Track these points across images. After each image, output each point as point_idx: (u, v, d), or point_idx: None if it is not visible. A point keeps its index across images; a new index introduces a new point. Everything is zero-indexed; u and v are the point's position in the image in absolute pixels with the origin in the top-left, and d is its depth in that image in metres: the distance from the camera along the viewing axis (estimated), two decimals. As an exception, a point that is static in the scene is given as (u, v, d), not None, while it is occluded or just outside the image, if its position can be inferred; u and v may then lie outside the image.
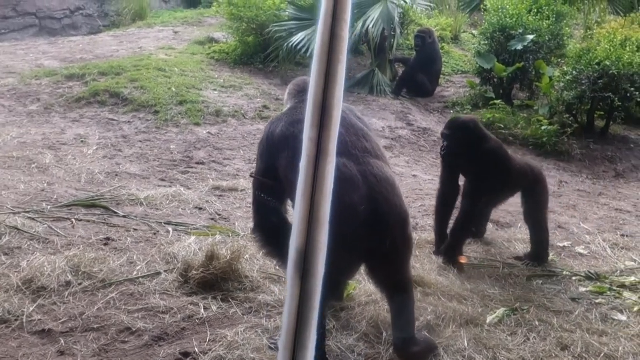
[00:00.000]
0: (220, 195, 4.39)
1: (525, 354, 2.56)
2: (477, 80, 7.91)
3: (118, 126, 5.80)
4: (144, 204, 4.00)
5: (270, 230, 2.55)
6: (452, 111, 7.35)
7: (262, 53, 8.00)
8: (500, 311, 2.93)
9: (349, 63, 8.04)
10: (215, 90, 6.85)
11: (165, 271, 3.05)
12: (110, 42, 9.02)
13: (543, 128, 6.58)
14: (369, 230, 2.29)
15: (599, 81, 6.42)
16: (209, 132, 5.89)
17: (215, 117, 6.19)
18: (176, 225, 3.70)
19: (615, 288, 3.32)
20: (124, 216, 3.75)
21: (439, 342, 2.58)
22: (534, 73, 7.43)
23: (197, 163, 5.19)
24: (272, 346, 2.47)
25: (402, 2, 7.72)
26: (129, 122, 5.90)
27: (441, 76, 8.22)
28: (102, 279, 2.88)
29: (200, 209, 4.08)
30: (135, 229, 3.57)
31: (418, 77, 7.72)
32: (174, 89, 6.55)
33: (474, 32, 9.66)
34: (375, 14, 7.36)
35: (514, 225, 4.27)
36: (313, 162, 1.31)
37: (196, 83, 6.87)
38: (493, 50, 7.56)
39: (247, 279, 3.00)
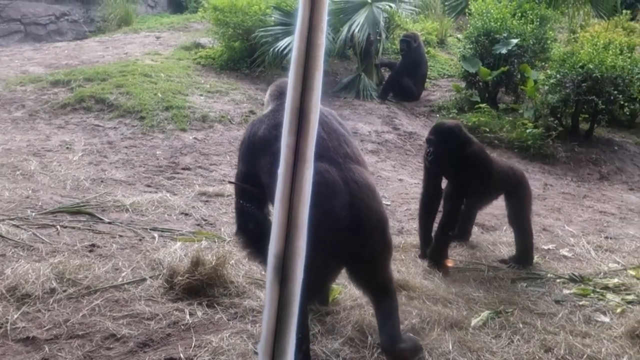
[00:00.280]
0: (206, 201, 4.39)
1: (509, 357, 2.58)
2: (463, 84, 7.98)
3: (104, 132, 5.77)
4: (130, 210, 3.99)
5: (253, 233, 2.58)
6: (438, 115, 7.41)
7: (248, 58, 8.01)
8: (485, 314, 2.96)
9: (335, 68, 8.10)
10: (201, 95, 6.84)
11: (150, 277, 3.03)
12: (96, 47, 8.98)
13: (528, 131, 6.66)
14: (350, 234, 2.32)
15: (583, 84, 6.51)
16: (195, 138, 5.88)
17: (202, 123, 6.19)
18: (162, 231, 3.69)
19: (598, 290, 3.36)
20: (110, 222, 3.74)
21: (424, 345, 2.60)
22: (518, 76, 7.52)
23: (183, 169, 5.18)
24: (257, 351, 2.47)
25: (388, 7, 7.77)
26: (114, 128, 5.88)
27: (427, 80, 8.28)
28: (87, 286, 2.86)
29: (186, 214, 4.07)
30: (120, 235, 3.56)
31: (404, 81, 7.77)
32: (160, 95, 6.53)
33: (459, 36, 9.75)
34: (360, 18, 7.40)
35: (499, 229, 4.31)
36: (291, 169, 1.33)
37: (182, 88, 6.86)
38: (478, 54, 7.64)
39: (232, 285, 3.00)
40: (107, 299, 2.78)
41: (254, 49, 7.86)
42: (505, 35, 7.43)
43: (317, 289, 2.58)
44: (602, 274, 3.59)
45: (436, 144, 3.55)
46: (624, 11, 9.98)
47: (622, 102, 6.74)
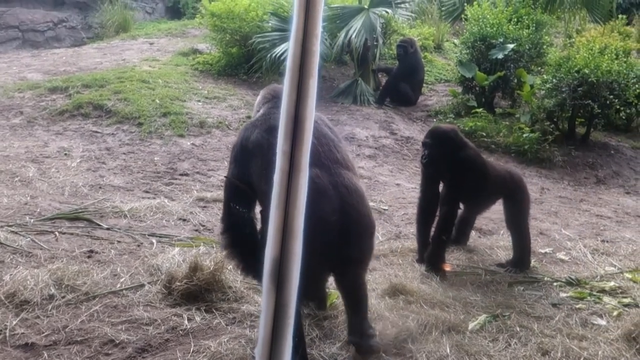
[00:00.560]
0: (204, 207, 4.40)
1: (506, 360, 2.60)
2: (459, 89, 8.02)
3: (102, 138, 5.79)
4: (128, 216, 4.00)
5: (238, 234, 2.63)
6: (435, 120, 7.44)
7: (245, 64, 8.04)
8: (482, 317, 2.97)
9: (332, 73, 8.11)
10: (199, 101, 6.86)
11: (149, 283, 3.04)
12: (94, 54, 9.00)
13: (525, 135, 6.69)
14: (340, 238, 2.36)
15: (579, 89, 6.55)
16: (192, 144, 5.90)
17: (199, 128, 6.21)
18: (160, 237, 3.70)
19: (595, 293, 3.37)
20: (108, 228, 3.75)
21: (421, 349, 2.61)
22: (515, 81, 7.56)
23: (181, 174, 5.19)
24: (255, 355, 2.48)
25: (384, 13, 7.82)
26: (112, 134, 5.89)
27: (424, 85, 8.32)
28: (85, 292, 2.87)
29: (184, 220, 4.08)
30: (119, 241, 3.57)
31: (401, 86, 7.81)
32: (157, 101, 6.56)
33: (455, 41, 9.80)
34: (357, 24, 7.44)
35: (496, 233, 4.33)
36: (287, 175, 1.35)
37: (180, 94, 6.88)
38: (474, 59, 7.68)
39: (230, 290, 3.01)
40: (106, 305, 2.79)
41: (251, 55, 7.89)
42: (501, 40, 7.47)
43: (308, 292, 2.60)
44: (598, 277, 3.61)
45: (431, 147, 3.58)
46: (620, 16, 10.06)
47: (618, 107, 6.77)
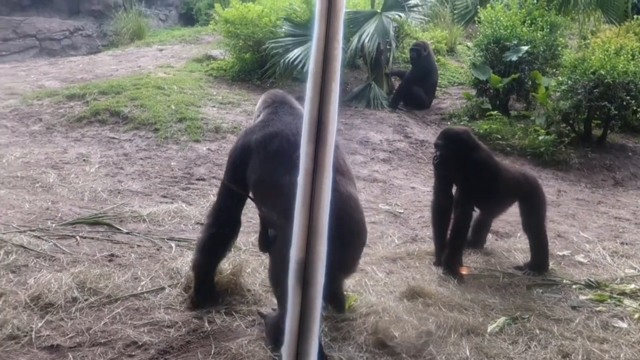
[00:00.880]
0: (222, 211, 4.43)
1: (527, 362, 2.59)
2: (473, 92, 8.00)
3: (119, 144, 5.86)
4: (147, 220, 4.05)
5: (223, 234, 2.82)
6: (449, 123, 7.42)
7: (259, 69, 8.10)
8: (501, 320, 2.96)
9: (346, 77, 8.16)
10: (214, 106, 6.92)
11: (169, 286, 3.08)
12: (110, 61, 9.12)
13: (540, 138, 6.65)
14: (333, 244, 2.36)
15: (595, 90, 6.50)
16: (208, 149, 5.95)
17: (215, 134, 6.26)
18: (178, 241, 3.74)
19: (615, 296, 3.35)
20: (127, 233, 3.80)
21: (441, 351, 2.62)
22: (529, 83, 7.52)
23: (198, 179, 5.24)
24: (276, 358, 2.50)
25: (397, 16, 7.83)
26: (129, 140, 5.97)
27: (437, 88, 8.31)
28: (107, 295, 2.92)
29: (202, 224, 4.10)
30: (138, 245, 3.61)
31: (414, 89, 7.81)
32: (173, 107, 6.63)
33: (468, 44, 9.78)
34: (370, 28, 7.47)
35: (513, 235, 4.31)
36: (310, 176, 1.37)
37: (195, 100, 6.95)
38: (488, 62, 7.66)
39: (249, 293, 3.04)
40: (128, 308, 2.83)
41: (264, 60, 7.95)
42: (515, 42, 7.44)
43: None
44: (618, 279, 3.58)
45: (443, 148, 3.59)
46: (635, 16, 9.94)
47: (634, 108, 6.71)
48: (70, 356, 2.42)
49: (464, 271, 3.58)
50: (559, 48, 7.81)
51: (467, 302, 3.13)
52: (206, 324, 2.74)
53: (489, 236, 4.16)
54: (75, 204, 4.26)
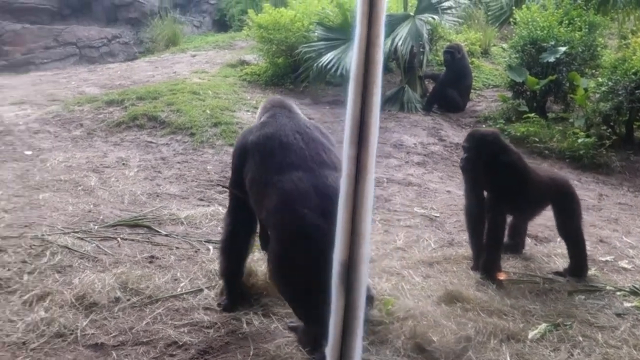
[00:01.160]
0: (257, 214, 4.47)
1: (570, 369, 2.53)
2: (509, 94, 7.87)
3: (157, 148, 5.98)
4: (185, 222, 4.12)
5: (239, 234, 2.90)
6: (484, 125, 7.32)
7: (292, 74, 8.16)
8: (542, 326, 2.90)
9: (380, 81, 7.99)
10: (248, 111, 7.00)
11: (207, 287, 3.13)
12: (146, 67, 9.33)
13: (580, 140, 6.49)
14: (322, 237, 2.29)
15: (637, 91, 6.33)
16: (244, 152, 6.00)
17: (250, 137, 6.31)
18: (215, 243, 3.78)
19: (662, 303, 3.24)
20: (166, 235, 3.87)
21: (480, 357, 2.58)
22: (567, 85, 7.35)
23: (234, 182, 5.30)
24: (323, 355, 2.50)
25: (430, 19, 7.78)
26: (166, 144, 6.09)
27: (472, 91, 8.21)
28: (148, 295, 2.98)
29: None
30: (177, 247, 3.68)
31: (448, 92, 7.74)
32: (208, 111, 6.73)
33: (503, 45, 9.63)
34: (403, 31, 7.43)
35: (552, 240, 4.22)
36: (353, 178, 1.38)
37: (229, 105, 7.05)
38: (524, 63, 7.53)
39: (286, 295, 3.05)
40: (168, 308, 2.89)
41: (297, 65, 8.00)
42: (552, 43, 7.30)
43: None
44: (665, 286, 3.46)
45: (470, 151, 3.54)
46: (678, 15, 9.63)
47: (678, 109, 6.50)
48: (114, 354, 2.48)
49: (502, 276, 3.52)
50: (598, 48, 7.62)
51: (506, 308, 3.08)
52: (244, 325, 2.78)
53: (528, 241, 4.08)
54: (115, 206, 4.37)
